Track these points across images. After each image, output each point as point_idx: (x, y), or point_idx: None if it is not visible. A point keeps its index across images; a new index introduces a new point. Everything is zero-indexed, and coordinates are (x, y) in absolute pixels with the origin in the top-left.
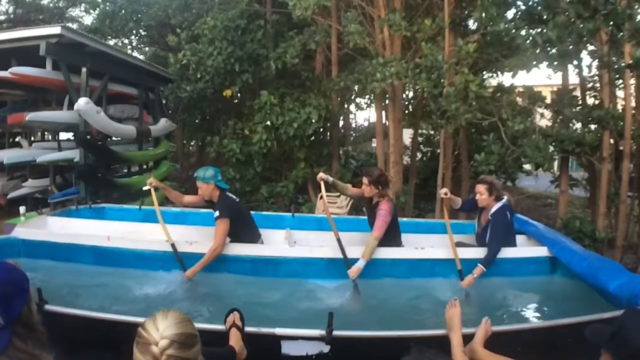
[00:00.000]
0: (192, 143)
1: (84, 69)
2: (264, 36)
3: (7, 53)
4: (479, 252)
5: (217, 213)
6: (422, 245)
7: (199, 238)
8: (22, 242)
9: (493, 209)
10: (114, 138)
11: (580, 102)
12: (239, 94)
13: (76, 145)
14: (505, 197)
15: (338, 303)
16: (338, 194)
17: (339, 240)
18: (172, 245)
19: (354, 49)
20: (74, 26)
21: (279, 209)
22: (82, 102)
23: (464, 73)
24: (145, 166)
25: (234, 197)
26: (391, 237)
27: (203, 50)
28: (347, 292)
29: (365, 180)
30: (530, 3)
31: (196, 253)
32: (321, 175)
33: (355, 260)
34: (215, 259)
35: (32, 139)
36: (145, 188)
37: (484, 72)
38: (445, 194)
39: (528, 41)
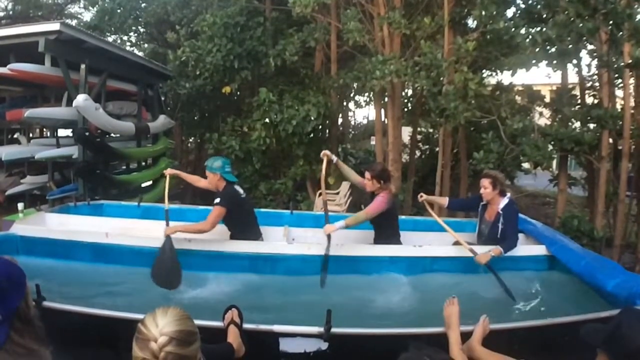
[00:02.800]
0: (190, 140)
1: (82, 66)
2: (264, 33)
3: (6, 49)
4: (482, 250)
5: (216, 200)
6: (420, 243)
7: (195, 235)
8: (21, 238)
9: (502, 204)
10: (112, 135)
11: (579, 101)
12: (238, 91)
13: (75, 141)
14: (509, 194)
15: (336, 300)
16: (337, 191)
17: (325, 202)
18: (166, 210)
19: (353, 47)
20: (73, 23)
21: (277, 206)
22: (81, 99)
23: (463, 71)
24: (143, 163)
25: (241, 191)
26: (390, 233)
27: (202, 47)
28: (347, 289)
29: (367, 174)
30: (530, 2)
31: (195, 250)
32: (326, 152)
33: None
34: (196, 233)
35: (31, 135)
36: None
37: (484, 71)
38: (420, 195)
39: (527, 40)
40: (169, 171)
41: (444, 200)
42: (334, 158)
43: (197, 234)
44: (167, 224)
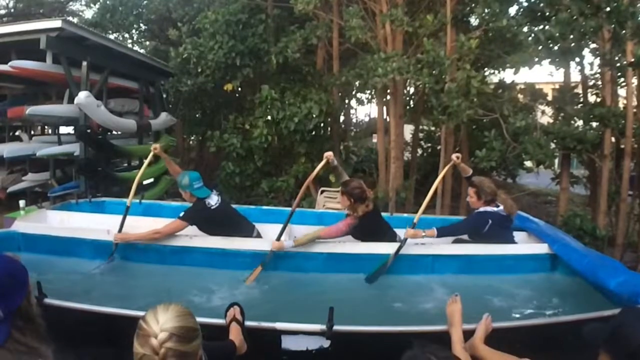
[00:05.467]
0: (192, 137)
1: (84, 63)
2: (265, 30)
3: (8, 47)
4: (476, 249)
5: (181, 213)
6: (422, 241)
7: (198, 232)
8: (22, 235)
9: (478, 209)
10: (114, 132)
11: (581, 99)
12: (239, 88)
13: (76, 139)
14: (500, 207)
15: (339, 297)
16: (338, 189)
17: (292, 213)
18: (127, 208)
19: (355, 44)
20: (74, 20)
21: (279, 203)
22: (83, 96)
23: (465, 69)
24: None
25: (213, 203)
26: None
27: (204, 44)
28: (348, 286)
29: (340, 189)
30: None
31: (197, 247)
32: (331, 154)
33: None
34: (150, 242)
35: (32, 132)
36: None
37: (486, 69)
38: (457, 157)
39: (530, 38)
40: (158, 148)
41: (469, 170)
42: (335, 163)
43: (152, 240)
44: (121, 228)
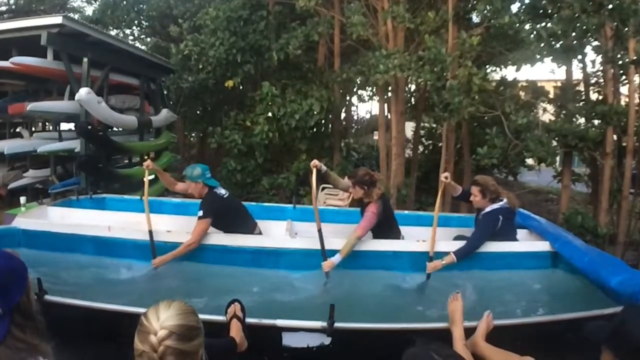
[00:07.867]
0: (193, 134)
1: (85, 59)
2: (267, 27)
3: (8, 43)
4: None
5: (200, 212)
6: (424, 238)
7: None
8: (23, 232)
9: (485, 210)
10: (115, 128)
11: (583, 97)
12: (240, 85)
13: (77, 135)
14: (504, 200)
15: (340, 295)
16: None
17: (319, 231)
18: (150, 232)
19: (357, 41)
20: (75, 17)
21: (280, 200)
22: (84, 93)
23: (467, 66)
24: (146, 157)
25: (223, 192)
26: (386, 236)
27: (205, 40)
28: (350, 285)
29: (350, 182)
30: None
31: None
32: (315, 162)
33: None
34: (187, 253)
35: (33, 129)
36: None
37: (488, 66)
38: (446, 177)
39: (532, 35)
40: (150, 165)
41: (459, 189)
42: (324, 168)
43: (189, 251)
44: (154, 254)
